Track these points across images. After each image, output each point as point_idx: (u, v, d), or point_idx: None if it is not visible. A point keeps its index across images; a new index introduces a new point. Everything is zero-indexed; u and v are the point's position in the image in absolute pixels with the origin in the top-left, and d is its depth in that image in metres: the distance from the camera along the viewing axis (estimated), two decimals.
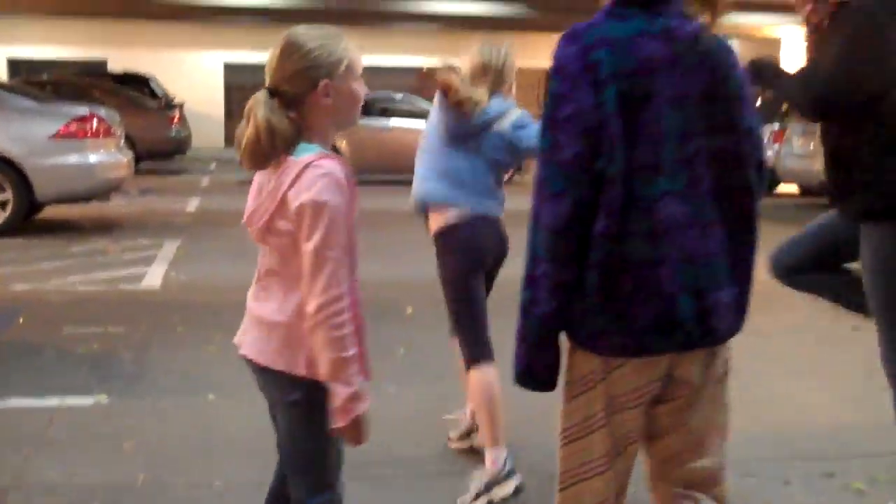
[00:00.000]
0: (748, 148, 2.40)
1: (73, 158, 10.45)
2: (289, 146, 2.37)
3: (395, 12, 25.15)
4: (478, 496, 3.86)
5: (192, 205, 13.59)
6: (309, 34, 2.44)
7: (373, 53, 26.46)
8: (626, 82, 2.26)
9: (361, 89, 2.49)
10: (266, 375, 2.51)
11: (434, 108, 4.01)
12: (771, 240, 11.95)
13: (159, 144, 19.29)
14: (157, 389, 5.20)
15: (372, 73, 24.53)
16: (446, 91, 3.84)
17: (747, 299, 2.46)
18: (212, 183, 17.22)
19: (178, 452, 4.29)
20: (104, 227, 11.42)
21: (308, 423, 2.49)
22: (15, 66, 28.94)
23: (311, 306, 2.33)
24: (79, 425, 4.62)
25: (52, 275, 8.21)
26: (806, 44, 3.65)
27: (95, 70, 25.18)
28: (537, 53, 33.76)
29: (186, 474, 4.06)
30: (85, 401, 4.95)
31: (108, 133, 10.80)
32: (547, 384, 2.41)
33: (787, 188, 17.64)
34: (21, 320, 6.65)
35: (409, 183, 4.18)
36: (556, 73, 2.31)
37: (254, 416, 4.78)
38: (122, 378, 5.38)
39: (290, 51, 2.42)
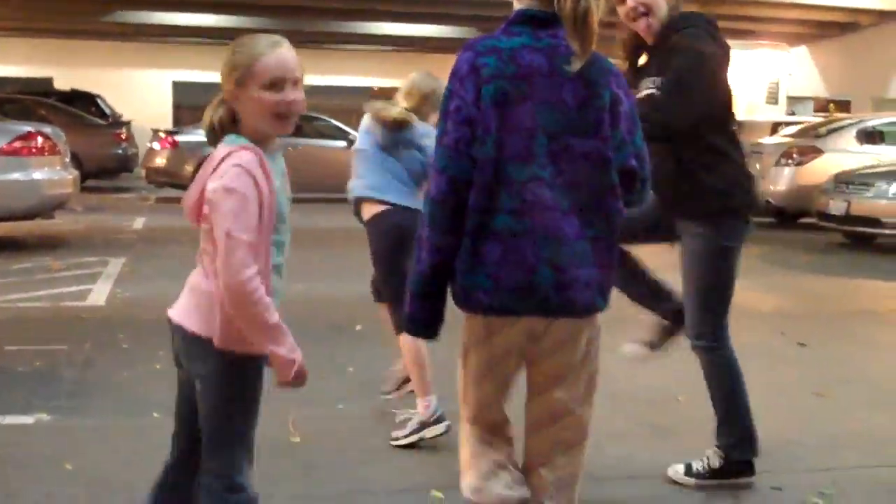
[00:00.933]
0: (614, 154, 2.81)
1: (16, 176, 10.31)
2: (217, 137, 2.65)
3: (347, 33, 25.18)
4: (411, 434, 4.64)
5: (139, 223, 13.45)
6: (243, 39, 2.68)
7: (325, 74, 26.41)
8: (505, 83, 2.73)
9: (270, 97, 2.60)
10: (189, 342, 2.72)
11: (365, 124, 4.77)
12: None
13: (106, 162, 19.10)
14: (100, 408, 5.11)
15: (324, 92, 24.57)
16: (386, 121, 4.63)
17: (608, 282, 2.86)
18: (158, 201, 17.05)
19: (121, 473, 4.20)
20: (48, 244, 11.26)
21: (221, 397, 2.69)
22: None
23: (222, 284, 2.55)
24: (18, 445, 4.52)
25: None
26: (628, 57, 4.16)
27: (41, 88, 24.88)
28: None
29: (129, 493, 3.97)
30: (25, 419, 4.84)
31: (52, 151, 10.66)
32: (429, 329, 2.88)
33: None
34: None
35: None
36: (452, 74, 2.81)
37: None
38: (64, 396, 5.28)
39: (226, 52, 2.67)
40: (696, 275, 4.29)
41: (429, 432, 4.64)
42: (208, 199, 2.56)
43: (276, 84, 2.59)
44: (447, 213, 2.75)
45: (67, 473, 4.18)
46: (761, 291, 9.44)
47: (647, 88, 3.96)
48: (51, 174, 10.64)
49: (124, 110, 23.36)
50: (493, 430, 2.97)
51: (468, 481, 2.98)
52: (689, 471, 4.35)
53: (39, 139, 10.46)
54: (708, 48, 3.98)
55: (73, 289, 8.31)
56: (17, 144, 10.31)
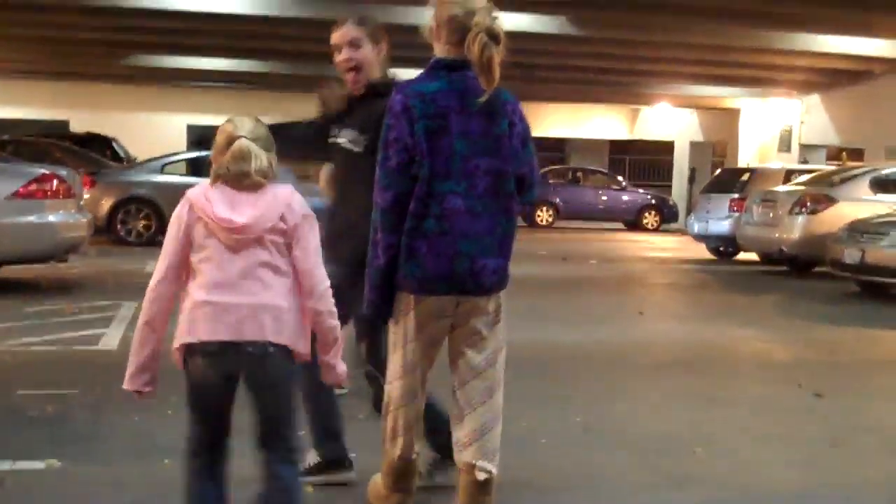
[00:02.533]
0: (512, 167, 3.79)
1: (31, 218, 10.32)
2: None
3: None
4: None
5: (151, 265, 13.40)
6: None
7: None
8: (430, 121, 3.68)
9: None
10: (274, 353, 3.29)
11: None
12: (732, 308, 11.94)
13: None
14: (112, 453, 5.07)
15: None
16: None
17: (507, 267, 3.88)
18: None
19: None
20: (61, 287, 11.27)
21: (292, 392, 3.47)
22: None
23: (325, 305, 3.40)
24: (29, 490, 4.48)
25: (6, 335, 8.04)
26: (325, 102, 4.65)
27: (58, 130, 25.06)
28: None
29: None
30: (36, 465, 4.80)
31: (67, 194, 10.69)
32: (383, 313, 3.83)
33: (747, 256, 17.77)
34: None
35: None
36: (389, 110, 3.72)
37: None
38: (75, 441, 5.24)
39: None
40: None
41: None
42: (299, 224, 3.33)
43: None
44: (395, 220, 3.69)
45: None
46: (776, 341, 9.37)
47: (344, 138, 4.42)
48: (66, 217, 10.66)
49: (139, 153, 23.48)
50: (411, 391, 3.89)
51: (384, 433, 3.95)
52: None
53: (55, 182, 10.49)
54: None
55: (86, 333, 8.30)
56: (33, 187, 10.33)
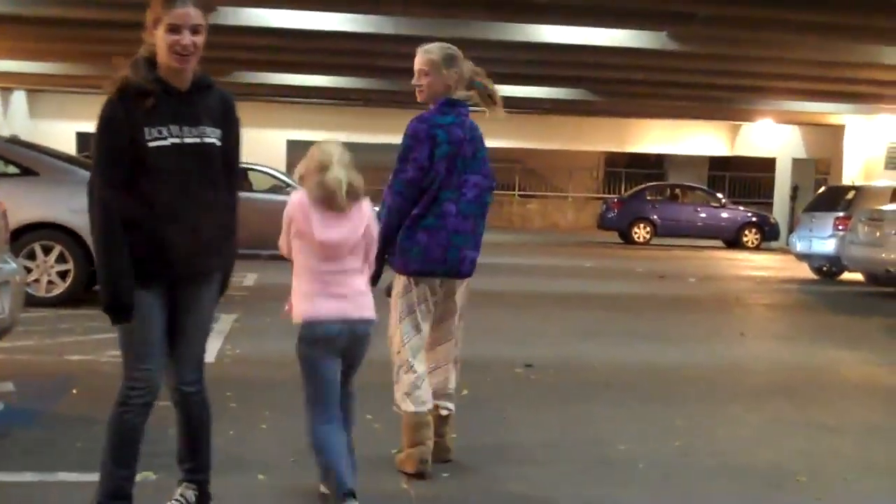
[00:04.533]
0: (489, 182, 5.14)
1: None
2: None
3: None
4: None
5: (251, 279, 13.62)
6: None
7: None
8: (447, 147, 4.94)
9: None
10: (369, 328, 4.25)
11: None
12: (837, 330, 11.60)
13: None
14: None
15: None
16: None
17: (477, 258, 5.16)
18: (271, 257, 17.18)
19: None
20: None
21: None
22: (84, 138, 29.56)
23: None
24: None
25: (108, 346, 8.15)
26: None
27: None
28: (595, 137, 33.87)
29: None
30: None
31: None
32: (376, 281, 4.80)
33: (852, 276, 17.27)
34: (74, 391, 6.60)
35: None
36: (412, 135, 4.95)
37: (299, 495, 4.65)
38: (171, 454, 5.25)
39: None
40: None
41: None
42: (373, 227, 4.28)
43: None
44: (399, 219, 4.92)
45: None
46: (883, 364, 9.05)
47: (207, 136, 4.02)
48: None
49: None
50: (415, 352, 5.01)
51: (398, 395, 5.04)
52: None
53: None
54: None
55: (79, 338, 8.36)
56: None
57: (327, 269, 4.16)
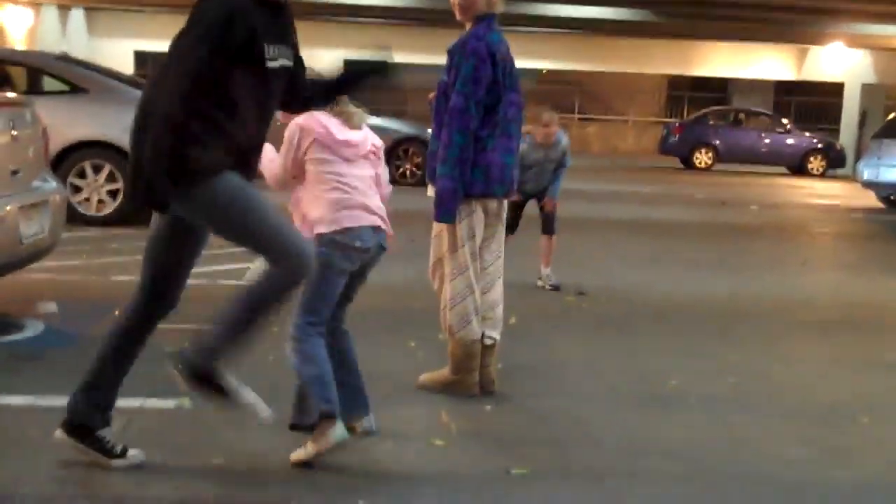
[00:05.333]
0: (521, 98, 5.01)
1: None
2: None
3: (518, 15, 24.80)
4: None
5: None
6: None
7: None
8: (502, 64, 4.84)
9: None
10: (383, 236, 4.21)
11: None
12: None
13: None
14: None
15: None
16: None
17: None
18: None
19: (256, 461, 4.02)
20: None
21: None
22: (141, 57, 29.54)
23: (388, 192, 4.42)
24: (157, 431, 4.40)
25: None
26: None
27: None
28: (657, 60, 33.07)
29: (263, 491, 3.79)
30: (166, 404, 4.72)
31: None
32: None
33: None
34: (116, 313, 6.50)
35: None
36: (474, 54, 4.77)
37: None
38: None
39: None
40: None
41: None
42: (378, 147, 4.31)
43: None
44: (470, 141, 4.79)
45: (201, 466, 4.02)
46: None
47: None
48: None
49: None
50: (474, 278, 4.91)
51: (451, 322, 4.94)
52: None
53: None
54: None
55: (233, 266, 8.27)
56: None
57: (352, 174, 4.12)
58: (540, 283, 8.27)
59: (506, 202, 5.10)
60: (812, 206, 17.68)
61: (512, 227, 7.65)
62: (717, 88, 36.57)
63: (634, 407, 5.10)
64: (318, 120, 4.14)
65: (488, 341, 5.04)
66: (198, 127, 3.45)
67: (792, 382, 5.77)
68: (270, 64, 3.55)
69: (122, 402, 4.65)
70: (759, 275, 9.62)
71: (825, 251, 12.49)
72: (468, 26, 4.93)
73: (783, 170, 26.93)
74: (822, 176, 26.09)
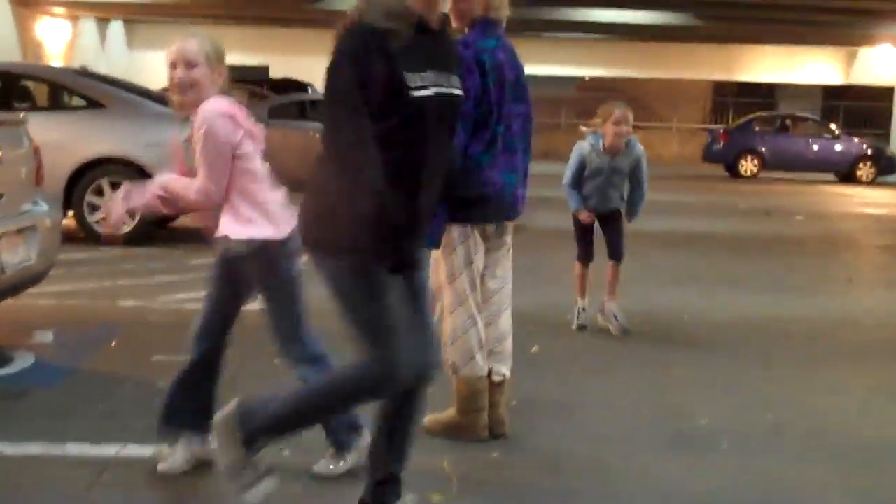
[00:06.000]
0: (529, 110, 4.56)
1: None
2: None
3: (556, 21, 24.41)
4: None
5: None
6: None
7: (533, 63, 25.73)
8: (494, 73, 4.31)
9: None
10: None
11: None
12: None
13: None
14: None
15: (532, 82, 23.94)
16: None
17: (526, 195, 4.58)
18: None
19: None
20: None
21: None
22: None
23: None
24: (130, 482, 4.03)
25: (162, 291, 7.77)
26: None
27: (259, 76, 25.26)
28: (702, 65, 32.45)
29: None
30: (144, 451, 4.33)
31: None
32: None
33: None
34: (113, 344, 6.18)
35: None
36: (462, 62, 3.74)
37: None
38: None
39: None
40: None
41: None
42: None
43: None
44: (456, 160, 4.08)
45: None
46: None
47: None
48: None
49: None
50: (476, 309, 4.45)
51: (453, 359, 4.44)
52: None
53: None
54: None
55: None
56: None
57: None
58: (601, 319, 7.05)
59: (510, 224, 4.61)
60: (860, 216, 17.05)
61: (586, 255, 7.04)
62: (764, 94, 35.88)
63: (659, 450, 4.66)
64: (232, 106, 3.81)
65: (497, 378, 4.58)
66: None
67: (835, 417, 5.30)
68: (416, 93, 3.14)
69: (95, 450, 4.32)
70: (800, 293, 9.10)
71: (873, 266, 11.91)
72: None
73: (831, 177, 26.22)
74: (872, 183, 25.34)
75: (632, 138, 6.80)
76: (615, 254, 6.99)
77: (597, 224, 7.04)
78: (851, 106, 35.31)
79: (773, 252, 11.90)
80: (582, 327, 7.01)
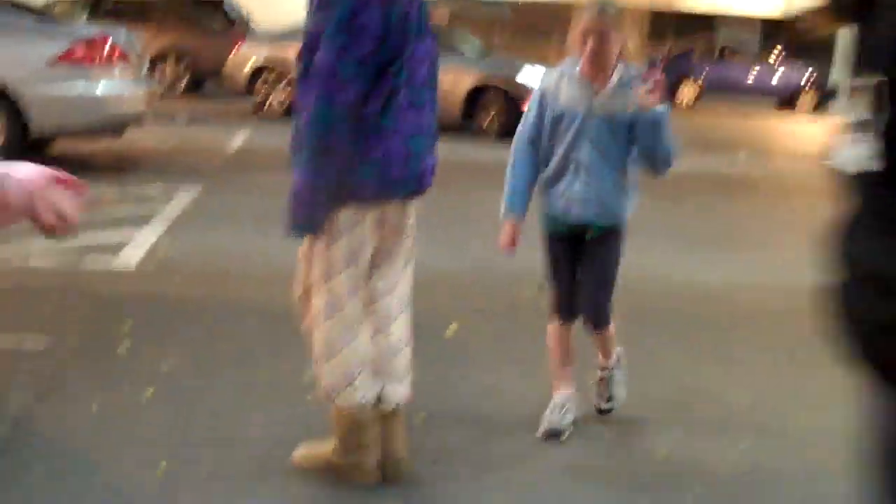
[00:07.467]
0: (435, 46, 3.36)
1: (76, 88, 8.76)
2: None
3: None
4: None
5: (238, 139, 12.19)
6: None
7: None
8: (400, 8, 3.14)
9: None
10: None
11: None
12: None
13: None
14: (27, 462, 3.43)
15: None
16: None
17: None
18: (271, 110, 15.28)
19: None
20: (119, 167, 9.76)
21: None
22: None
23: None
24: None
25: (13, 238, 6.49)
26: None
27: None
28: None
29: None
30: None
31: (122, 59, 9.05)
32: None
33: None
34: None
35: None
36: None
37: None
38: None
39: None
40: None
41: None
42: None
43: None
44: (348, 121, 3.14)
45: None
46: None
47: None
48: (118, 87, 9.07)
49: (262, 19, 21.64)
50: (358, 319, 3.31)
51: (326, 382, 3.32)
52: None
53: (105, 45, 8.84)
54: None
55: (109, 239, 6.66)
56: (80, 51, 8.73)
57: None
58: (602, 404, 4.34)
59: (411, 206, 3.41)
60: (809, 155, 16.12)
61: (567, 307, 4.12)
62: (703, 24, 35.08)
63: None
64: None
65: (387, 406, 3.41)
66: None
67: (799, 407, 4.30)
68: None
69: None
70: (755, 254, 7.98)
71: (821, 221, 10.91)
72: None
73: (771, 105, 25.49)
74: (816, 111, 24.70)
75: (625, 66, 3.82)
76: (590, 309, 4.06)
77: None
78: (791, 38, 34.65)
79: (718, 198, 10.84)
80: (554, 434, 3.98)
